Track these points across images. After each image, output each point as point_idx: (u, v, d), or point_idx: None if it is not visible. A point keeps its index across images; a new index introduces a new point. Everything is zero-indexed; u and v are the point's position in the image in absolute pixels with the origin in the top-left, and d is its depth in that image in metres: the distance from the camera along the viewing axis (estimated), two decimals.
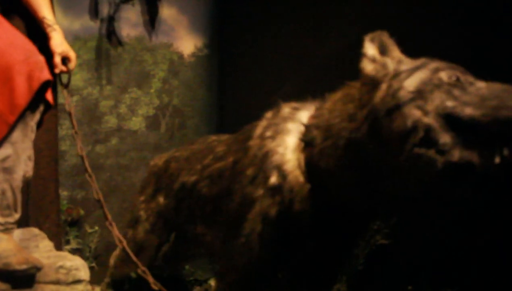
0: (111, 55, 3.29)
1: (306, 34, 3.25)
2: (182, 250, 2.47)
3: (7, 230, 1.75)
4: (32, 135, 1.79)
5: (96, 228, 3.12)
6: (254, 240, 1.51)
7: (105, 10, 3.30)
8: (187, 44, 3.51)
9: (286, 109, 1.62)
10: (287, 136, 1.53)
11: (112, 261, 2.46)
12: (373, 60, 1.33)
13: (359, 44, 1.35)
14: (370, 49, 1.34)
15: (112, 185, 3.21)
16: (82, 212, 3.13)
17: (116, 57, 3.32)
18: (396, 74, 1.28)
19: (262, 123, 1.64)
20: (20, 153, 1.74)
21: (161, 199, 2.24)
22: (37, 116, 1.76)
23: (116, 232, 2.14)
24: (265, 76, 3.40)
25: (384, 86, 1.28)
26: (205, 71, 3.54)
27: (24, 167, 1.75)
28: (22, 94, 1.67)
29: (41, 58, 1.76)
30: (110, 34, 3.31)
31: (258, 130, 1.61)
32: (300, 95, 1.70)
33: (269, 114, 1.66)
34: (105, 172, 3.20)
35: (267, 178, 1.49)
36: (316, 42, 3.22)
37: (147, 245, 2.31)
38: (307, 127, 1.50)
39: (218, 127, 3.51)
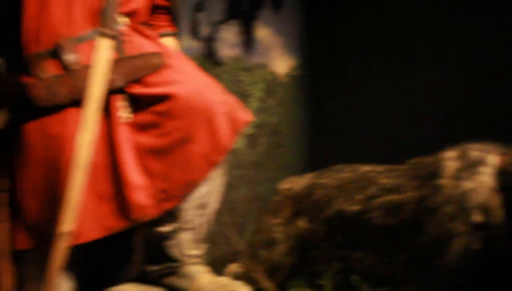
0: (211, 75, 3.35)
1: (404, 54, 3.33)
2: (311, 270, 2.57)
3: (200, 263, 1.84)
4: (226, 171, 1.87)
5: None
6: (455, 270, 1.60)
7: (204, 31, 3.39)
8: (282, 64, 3.59)
9: (474, 151, 1.71)
10: (484, 178, 1.62)
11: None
12: None
13: None
14: None
15: None
16: None
17: (216, 77, 3.38)
18: None
19: (451, 164, 1.73)
20: (216, 189, 1.82)
21: (301, 223, 2.33)
22: None
23: None
24: (359, 95, 3.48)
25: None
26: (300, 91, 3.62)
27: (217, 202, 1.83)
28: (226, 135, 1.74)
29: (234, 99, 1.84)
30: (210, 54, 3.39)
31: (449, 171, 1.70)
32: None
33: (453, 154, 1.75)
34: None
35: (469, 216, 1.59)
36: (414, 63, 3.30)
37: (282, 266, 2.40)
38: (503, 171, 1.60)
39: (313, 146, 3.60)
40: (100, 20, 1.48)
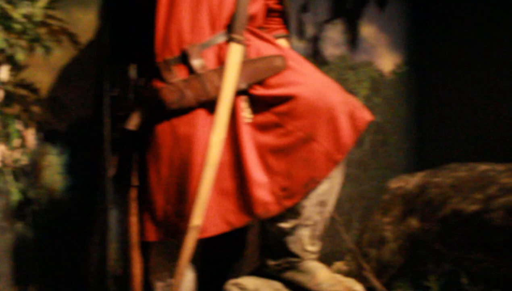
0: None
1: None
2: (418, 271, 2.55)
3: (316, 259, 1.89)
4: (344, 169, 1.91)
5: None
6: None
7: (310, 31, 3.44)
8: (387, 61, 3.57)
9: None
10: None
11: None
12: None
13: None
14: None
15: None
16: None
17: None
18: None
19: None
20: (335, 187, 1.87)
21: (413, 222, 2.31)
22: None
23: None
24: (467, 93, 3.40)
25: None
26: (405, 89, 3.58)
27: (334, 199, 1.88)
28: (348, 134, 1.79)
29: (354, 98, 1.87)
30: (316, 53, 3.44)
31: None
32: None
33: None
34: None
35: None
36: None
37: (391, 265, 2.40)
38: None
39: (419, 144, 3.56)
40: (231, 26, 1.56)
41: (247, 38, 1.87)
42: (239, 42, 1.54)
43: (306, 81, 1.82)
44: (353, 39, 3.52)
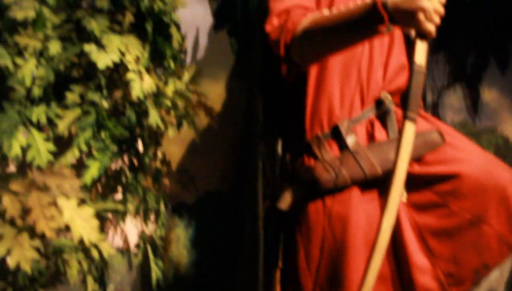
0: None
1: None
2: None
3: None
4: None
5: None
6: None
7: (428, 97, 3.33)
8: None
9: None
10: None
11: None
12: None
13: None
14: None
15: None
16: None
17: None
18: None
19: None
20: (504, 274, 1.71)
21: None
22: None
23: None
24: None
25: None
26: None
27: (504, 287, 1.73)
28: None
29: None
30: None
31: None
32: None
33: None
34: None
35: None
36: None
37: None
38: None
39: None
40: (405, 104, 1.49)
41: (396, 112, 1.80)
42: (413, 120, 1.46)
43: (468, 157, 1.71)
44: (474, 105, 3.38)
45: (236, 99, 2.63)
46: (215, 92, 2.57)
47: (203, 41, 2.63)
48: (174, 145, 2.51)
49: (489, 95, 3.41)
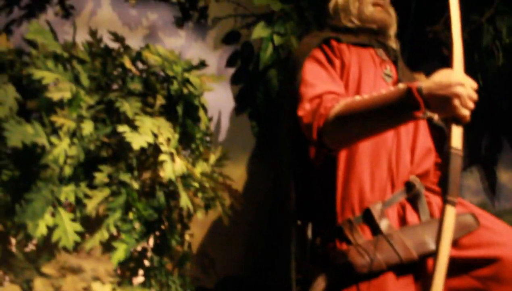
0: None
1: None
2: None
3: None
4: None
5: None
6: None
7: None
8: None
9: None
10: None
11: None
12: None
13: None
14: None
15: None
16: None
17: None
18: None
19: None
20: None
21: None
22: None
23: None
24: None
25: None
26: None
27: None
28: None
29: None
30: None
31: None
32: None
33: None
34: None
35: None
36: None
37: None
38: None
39: None
40: (443, 187, 1.48)
41: (426, 195, 1.78)
42: (453, 204, 1.44)
43: (506, 240, 1.68)
44: (492, 186, 3.36)
45: (256, 182, 2.62)
46: (236, 174, 2.56)
47: (225, 124, 2.66)
48: (195, 227, 2.47)
49: (505, 176, 3.40)
